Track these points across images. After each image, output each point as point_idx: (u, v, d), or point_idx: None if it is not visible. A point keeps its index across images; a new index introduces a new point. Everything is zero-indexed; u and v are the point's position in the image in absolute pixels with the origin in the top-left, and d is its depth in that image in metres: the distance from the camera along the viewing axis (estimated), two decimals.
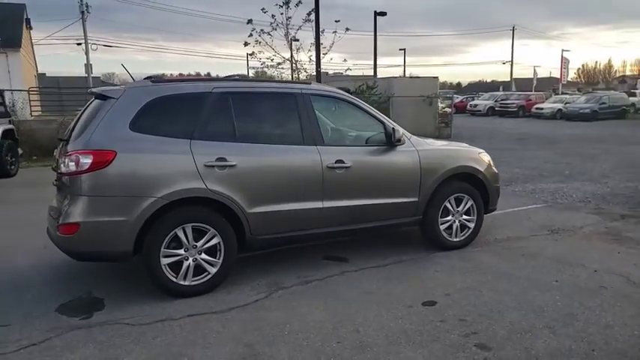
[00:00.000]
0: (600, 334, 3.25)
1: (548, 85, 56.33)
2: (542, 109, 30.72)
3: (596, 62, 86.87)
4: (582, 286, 4.08)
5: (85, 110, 4.47)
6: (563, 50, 39.48)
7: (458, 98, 35.30)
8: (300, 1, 17.15)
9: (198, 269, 4.03)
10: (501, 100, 34.55)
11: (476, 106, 35.45)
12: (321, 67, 17.22)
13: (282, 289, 4.16)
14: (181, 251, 3.95)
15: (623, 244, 5.21)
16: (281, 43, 18.13)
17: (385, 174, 4.76)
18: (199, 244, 3.99)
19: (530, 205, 7.19)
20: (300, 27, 17.47)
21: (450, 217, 5.09)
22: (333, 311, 3.71)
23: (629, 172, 10.16)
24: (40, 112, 18.27)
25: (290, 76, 19.02)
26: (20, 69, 22.20)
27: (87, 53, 31.82)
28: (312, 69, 18.70)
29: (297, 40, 17.72)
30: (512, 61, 53.82)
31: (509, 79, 56.10)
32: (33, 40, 29.69)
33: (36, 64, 31.03)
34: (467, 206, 5.17)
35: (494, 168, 5.46)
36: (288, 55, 18.03)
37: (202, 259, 4.02)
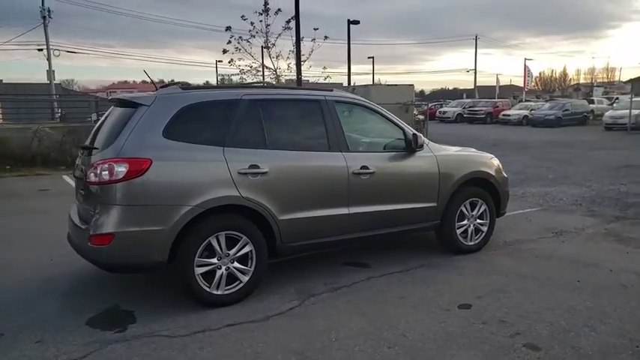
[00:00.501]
0: (638, 331, 3.39)
1: (509, 92, 58.25)
2: (509, 115, 31.71)
3: (552, 71, 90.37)
4: (604, 285, 4.25)
5: (107, 118, 4.37)
6: (525, 59, 40.94)
7: (427, 105, 36.00)
8: (279, 9, 17.25)
9: (231, 278, 3.98)
10: (469, 107, 35.47)
11: (445, 113, 36.23)
12: (301, 74, 17.27)
13: (313, 296, 4.15)
14: (214, 260, 3.90)
15: (628, 245, 5.44)
16: (259, 50, 18.16)
17: (406, 179, 4.83)
18: (232, 252, 3.95)
19: (527, 208, 7.41)
20: (279, 34, 17.55)
21: (465, 222, 5.20)
22: (372, 317, 3.72)
23: (608, 175, 10.62)
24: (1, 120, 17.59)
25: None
26: None
27: (49, 59, 30.67)
28: (290, 76, 18.79)
29: (274, 46, 17.75)
30: (475, 69, 55.30)
31: (470, 87, 57.73)
32: None
33: None
34: (481, 210, 5.29)
35: (503, 173, 5.61)
36: (267, 63, 18.06)
37: (235, 268, 3.98)
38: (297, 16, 16.31)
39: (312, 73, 19.77)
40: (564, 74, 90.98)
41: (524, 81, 41.65)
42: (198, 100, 4.01)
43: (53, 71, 30.65)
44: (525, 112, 31.29)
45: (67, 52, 45.66)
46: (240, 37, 17.57)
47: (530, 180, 10.07)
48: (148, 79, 4.73)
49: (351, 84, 25.35)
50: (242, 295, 4.03)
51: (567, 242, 5.63)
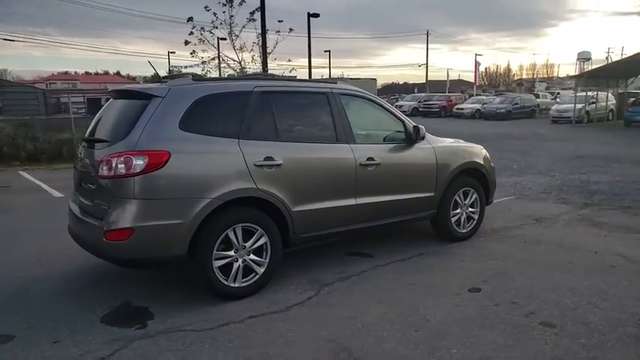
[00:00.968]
0: (637, 305, 3.69)
1: (458, 87, 60.13)
2: (462, 109, 32.80)
3: (497, 66, 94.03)
4: (594, 266, 4.56)
5: (109, 109, 4.25)
6: (476, 55, 42.37)
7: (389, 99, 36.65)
8: (243, 0, 17.01)
9: (247, 270, 3.99)
10: (424, 101, 36.38)
11: (401, 106, 36.82)
12: (267, 67, 17.14)
13: (326, 286, 4.22)
14: (231, 252, 3.89)
15: (602, 229, 5.85)
16: (223, 42, 17.86)
17: (408, 170, 4.98)
18: (248, 244, 3.96)
19: (503, 197, 7.76)
20: (244, 26, 17.32)
21: (458, 210, 5.42)
22: (390, 303, 3.84)
23: (566, 165, 11.27)
24: None
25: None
26: None
27: None
28: (255, 69, 18.60)
29: (237, 37, 17.51)
30: (427, 64, 56.61)
31: (420, 82, 59.18)
32: None
33: None
34: (472, 199, 5.53)
35: (491, 163, 5.88)
36: (231, 55, 17.77)
37: (251, 260, 3.99)
38: (262, 8, 16.16)
39: (277, 65, 19.57)
40: (508, 69, 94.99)
41: (475, 76, 43.13)
42: (212, 91, 3.98)
43: None
44: (478, 106, 32.45)
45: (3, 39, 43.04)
46: (202, 29, 17.26)
47: (497, 170, 10.49)
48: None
49: (311, 78, 25.38)
50: (258, 287, 4.05)
51: (549, 228, 5.98)
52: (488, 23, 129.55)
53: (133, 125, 3.68)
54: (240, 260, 3.93)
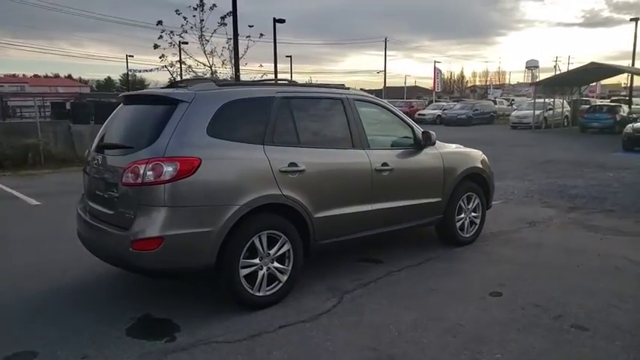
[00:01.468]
0: None
1: (414, 93, 61.53)
2: (424, 115, 33.48)
3: (451, 73, 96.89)
4: (602, 268, 4.72)
5: (125, 115, 4.09)
6: (435, 62, 43.46)
7: None
8: (214, 5, 16.74)
9: (270, 278, 3.89)
10: None
11: None
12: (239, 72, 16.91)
13: (347, 293, 4.17)
14: (256, 260, 3.79)
15: (597, 232, 6.07)
16: (194, 46, 17.51)
17: (419, 175, 5.01)
18: (272, 252, 3.86)
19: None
20: (215, 30, 17.03)
21: (462, 215, 5.50)
22: (418, 309, 3.83)
23: (538, 170, 11.69)
24: None
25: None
26: None
27: None
28: (226, 73, 18.34)
29: (208, 42, 17.22)
30: (385, 70, 57.63)
31: (377, 88, 60.08)
32: None
33: None
34: (475, 204, 5.63)
35: (490, 168, 6.00)
36: (202, 59, 17.43)
37: (275, 268, 3.89)
38: (234, 12, 15.94)
39: (247, 70, 19.35)
40: (462, 76, 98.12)
41: (435, 83, 44.19)
42: (237, 97, 3.87)
43: None
44: (439, 112, 33.25)
45: None
46: (172, 32, 16.90)
47: None
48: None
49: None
50: (281, 296, 3.95)
51: (545, 231, 6.15)
52: (441, 31, 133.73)
53: (159, 131, 3.52)
54: (264, 268, 3.83)
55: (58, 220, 7.04)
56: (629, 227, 6.32)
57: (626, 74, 34.10)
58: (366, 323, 3.61)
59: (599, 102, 31.25)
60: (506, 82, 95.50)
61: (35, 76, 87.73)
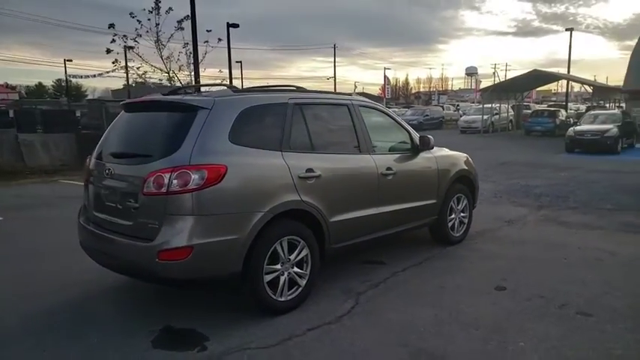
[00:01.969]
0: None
1: None
2: None
3: (397, 79, 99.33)
4: (586, 260, 5.11)
5: (134, 123, 4.04)
6: (385, 68, 44.54)
7: None
8: (170, 8, 16.47)
9: (291, 283, 3.95)
10: None
11: None
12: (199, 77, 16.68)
13: (361, 294, 4.29)
14: (278, 266, 3.84)
15: (569, 227, 6.54)
16: (150, 51, 17.14)
17: (418, 178, 5.22)
18: (292, 257, 3.93)
19: None
20: (172, 35, 16.76)
21: (453, 215, 5.77)
22: (434, 306, 4.01)
23: (498, 171, 12.30)
24: None
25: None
26: None
27: None
28: (184, 79, 18.06)
29: (164, 47, 16.91)
30: (335, 77, 58.44)
31: (374, 94, 60.99)
32: None
33: None
34: (463, 204, 5.92)
35: (475, 170, 6.32)
36: (159, 65, 17.06)
37: (295, 273, 3.96)
38: (192, 16, 15.68)
39: (206, 76, 19.06)
40: (407, 83, 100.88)
41: (384, 89, 45.25)
42: (254, 103, 3.91)
43: None
44: None
45: None
46: (125, 36, 16.48)
47: None
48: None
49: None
50: (300, 300, 4.02)
51: (523, 229, 6.55)
52: (385, 39, 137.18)
53: (181, 138, 3.51)
54: (285, 273, 3.89)
55: (34, 233, 6.75)
56: (594, 222, 6.83)
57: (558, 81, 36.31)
58: (388, 322, 3.74)
59: (538, 107, 33.19)
60: (449, 88, 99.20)
61: None
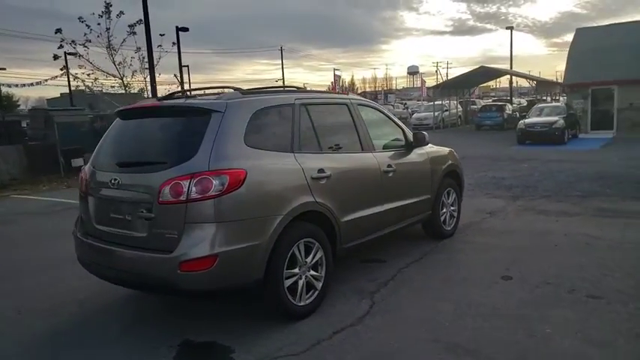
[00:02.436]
0: (637, 272, 4.45)
1: None
2: None
3: (342, 80, 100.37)
4: (575, 245, 5.33)
5: (137, 129, 3.84)
6: (335, 69, 44.76)
7: None
8: (121, 12, 15.87)
9: (308, 287, 3.87)
10: None
11: None
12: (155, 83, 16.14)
13: (374, 294, 4.26)
14: (296, 270, 3.75)
15: (549, 215, 6.80)
16: (102, 56, 16.46)
17: (414, 174, 5.26)
18: (308, 260, 3.85)
19: None
20: (124, 39, 16.14)
21: (444, 210, 5.86)
22: (449, 300, 4.03)
23: (465, 165, 12.31)
24: None
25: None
26: None
27: None
28: (139, 86, 17.48)
29: (116, 52, 16.28)
30: (283, 79, 58.40)
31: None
32: None
33: None
34: (453, 198, 6.03)
35: (460, 164, 6.44)
36: (111, 71, 16.39)
37: (311, 276, 3.89)
38: (146, 20, 15.16)
39: (162, 81, 18.52)
40: (352, 83, 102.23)
41: (334, 89, 45.48)
42: (265, 105, 3.81)
43: None
44: None
45: None
46: (73, 42, 15.75)
47: None
48: None
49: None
50: (317, 304, 3.94)
51: (506, 219, 6.75)
52: (328, 40, 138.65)
53: (196, 143, 3.35)
54: (303, 277, 3.81)
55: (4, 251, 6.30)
56: (570, 209, 7.15)
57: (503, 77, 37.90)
58: (410, 319, 3.74)
59: (484, 102, 34.49)
60: (394, 87, 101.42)
61: None
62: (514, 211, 7.24)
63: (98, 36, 15.56)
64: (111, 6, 15.40)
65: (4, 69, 43.41)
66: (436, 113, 27.94)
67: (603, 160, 12.85)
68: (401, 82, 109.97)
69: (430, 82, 49.70)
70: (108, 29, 15.83)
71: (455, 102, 30.08)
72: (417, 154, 5.35)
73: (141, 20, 15.35)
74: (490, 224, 6.49)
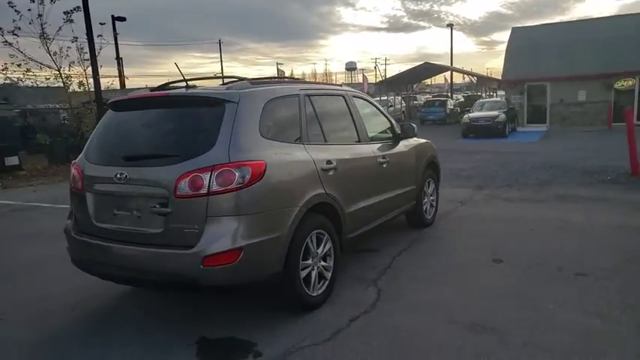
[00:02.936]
0: (615, 249, 4.84)
1: None
2: None
3: (282, 74, 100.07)
4: (550, 229, 5.70)
5: (140, 120, 3.70)
6: (278, 63, 44.68)
7: None
8: None
9: (319, 277, 3.90)
10: None
11: None
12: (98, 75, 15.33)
13: (377, 281, 4.36)
14: (309, 261, 3.77)
15: (516, 202, 7.22)
16: (35, 45, 15.41)
17: (403, 165, 5.40)
18: (319, 251, 3.88)
19: None
20: (60, 28, 15.19)
21: (425, 199, 6.07)
22: (450, 284, 4.20)
23: None
24: None
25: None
26: None
27: None
28: (79, 79, 16.52)
29: (52, 40, 15.32)
30: (222, 73, 57.35)
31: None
32: None
33: None
34: (432, 188, 6.25)
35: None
36: (46, 62, 15.37)
37: (322, 267, 3.92)
38: (85, 7, 14.30)
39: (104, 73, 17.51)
40: (292, 77, 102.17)
41: None
42: (275, 95, 3.78)
43: None
44: None
45: None
46: (0, 29, 14.64)
47: None
48: None
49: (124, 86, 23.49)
50: (327, 294, 3.98)
51: (478, 207, 7.08)
52: (264, 34, 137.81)
53: (213, 135, 3.28)
54: (315, 268, 3.83)
55: None
56: (533, 196, 7.62)
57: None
58: (421, 303, 3.86)
59: (425, 98, 35.67)
60: (333, 81, 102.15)
61: None
62: (482, 199, 7.61)
63: (30, 23, 14.58)
64: None
65: None
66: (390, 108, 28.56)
67: (546, 151, 13.73)
68: (340, 78, 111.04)
69: (370, 78, 50.75)
70: (40, 15, 14.86)
71: (399, 98, 30.86)
72: (404, 146, 5.50)
73: (78, 7, 14.52)
74: (464, 212, 6.78)
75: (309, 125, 4.01)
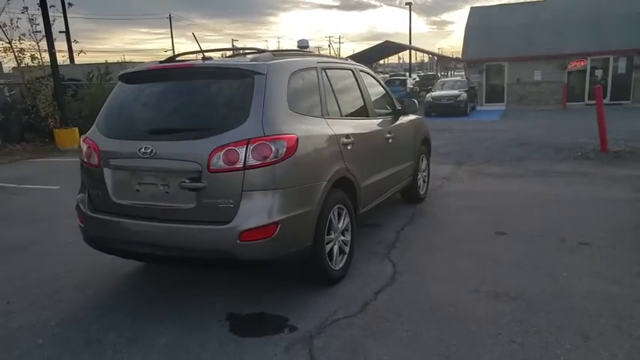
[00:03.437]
0: (608, 218, 5.09)
1: None
2: None
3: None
4: (541, 202, 5.92)
5: (162, 93, 3.52)
6: (233, 40, 43.58)
7: None
8: None
9: (339, 252, 3.89)
10: None
11: None
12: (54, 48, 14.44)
13: (388, 255, 4.38)
14: (332, 236, 3.75)
15: (498, 178, 7.44)
16: None
17: (403, 141, 5.41)
18: (340, 225, 3.86)
19: None
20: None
21: (419, 175, 6.15)
22: (464, 255, 4.28)
23: None
24: None
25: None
26: None
27: None
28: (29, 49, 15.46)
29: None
30: (173, 49, 55.49)
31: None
32: None
33: None
34: (424, 164, 6.33)
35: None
36: None
37: (342, 241, 3.91)
38: None
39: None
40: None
41: None
42: (298, 67, 3.67)
43: None
44: None
45: None
46: None
47: None
48: None
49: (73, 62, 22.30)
50: (347, 267, 3.98)
51: (464, 182, 7.26)
52: (211, 9, 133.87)
53: (245, 107, 3.16)
54: (337, 242, 3.82)
55: None
56: (514, 171, 7.88)
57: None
58: (440, 275, 3.91)
59: (382, 77, 35.91)
60: None
61: None
62: (466, 175, 7.79)
63: None
64: None
65: None
66: None
67: (510, 129, 14.20)
68: None
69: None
70: None
71: None
72: (404, 122, 5.51)
73: None
74: (453, 188, 6.93)
75: (327, 99, 3.94)
